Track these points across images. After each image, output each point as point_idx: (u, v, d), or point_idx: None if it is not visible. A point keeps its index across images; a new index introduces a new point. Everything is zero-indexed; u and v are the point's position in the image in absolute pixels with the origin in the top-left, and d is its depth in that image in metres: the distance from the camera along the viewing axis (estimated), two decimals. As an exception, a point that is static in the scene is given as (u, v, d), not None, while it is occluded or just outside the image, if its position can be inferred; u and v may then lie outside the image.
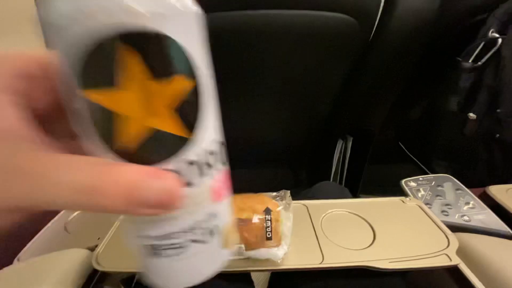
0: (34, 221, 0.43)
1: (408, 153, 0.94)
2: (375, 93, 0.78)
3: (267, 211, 0.31)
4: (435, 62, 0.83)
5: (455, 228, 0.37)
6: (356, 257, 0.32)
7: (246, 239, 0.31)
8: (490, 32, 0.66)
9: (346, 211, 0.40)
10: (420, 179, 0.48)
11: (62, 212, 0.45)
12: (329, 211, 0.40)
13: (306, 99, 0.74)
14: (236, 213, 0.32)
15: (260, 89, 0.69)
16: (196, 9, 0.12)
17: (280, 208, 0.33)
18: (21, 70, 0.12)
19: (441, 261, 0.31)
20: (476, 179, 0.78)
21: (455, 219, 0.40)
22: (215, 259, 0.15)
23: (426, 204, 0.42)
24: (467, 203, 0.42)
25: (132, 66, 0.10)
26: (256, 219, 0.31)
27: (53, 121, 0.13)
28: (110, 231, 0.38)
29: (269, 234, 0.31)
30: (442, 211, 0.41)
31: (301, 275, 0.34)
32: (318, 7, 0.54)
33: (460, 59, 0.72)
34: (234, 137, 0.85)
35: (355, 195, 0.93)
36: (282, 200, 0.35)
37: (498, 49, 0.66)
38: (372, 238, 0.35)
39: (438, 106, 0.80)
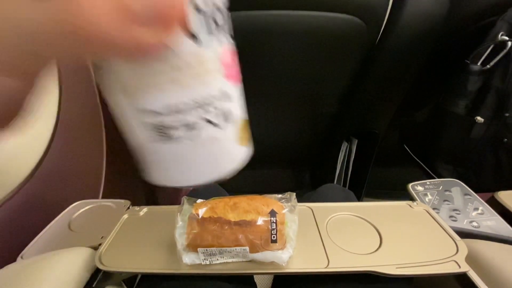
0: (38, 218, 0.42)
1: (413, 156, 0.93)
2: (381, 95, 0.77)
3: (272, 213, 0.31)
4: (442, 65, 0.82)
5: (463, 234, 0.36)
6: (362, 262, 0.32)
7: (251, 241, 0.31)
8: (500, 35, 0.65)
9: (352, 215, 0.39)
10: (427, 183, 0.47)
11: (66, 210, 0.45)
12: (335, 214, 0.39)
13: (311, 100, 0.73)
14: (240, 214, 0.31)
15: (265, 89, 0.69)
16: None
17: (285, 210, 0.33)
18: None
19: (450, 268, 0.30)
20: (482, 183, 0.77)
21: (464, 225, 0.39)
22: (232, 153, 0.14)
23: (434, 209, 0.41)
24: (476, 209, 0.41)
25: None
26: (261, 221, 0.31)
27: None
28: (113, 230, 0.38)
29: (274, 237, 0.30)
30: (450, 217, 0.40)
31: (306, 279, 0.33)
32: (325, 8, 0.53)
33: (469, 62, 0.71)
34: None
35: (359, 198, 0.93)
36: (287, 202, 0.35)
37: (508, 52, 0.65)
38: (378, 243, 0.34)
39: (445, 109, 0.79)
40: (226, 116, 0.13)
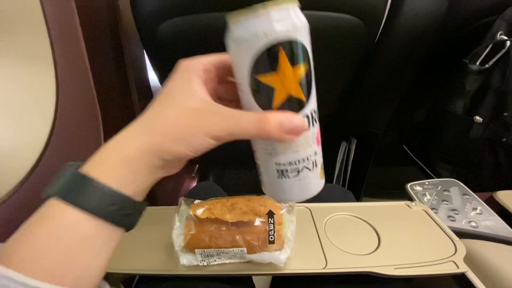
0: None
1: (412, 156, 0.93)
2: (380, 95, 0.77)
3: (270, 214, 0.31)
4: (441, 64, 0.82)
5: (462, 234, 0.36)
6: (360, 262, 0.32)
7: (249, 242, 0.30)
8: (499, 34, 0.65)
9: (350, 215, 0.39)
10: (426, 183, 0.47)
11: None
12: (333, 214, 0.39)
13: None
14: (238, 215, 0.31)
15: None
16: (306, 22, 0.20)
17: (283, 211, 0.33)
18: (204, 66, 0.22)
19: (448, 268, 0.30)
20: (481, 183, 0.77)
21: (462, 225, 0.39)
22: (315, 183, 0.23)
23: (432, 209, 0.41)
24: (474, 209, 0.41)
25: (282, 58, 0.18)
26: (259, 222, 0.30)
27: (218, 93, 0.23)
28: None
29: (271, 238, 0.30)
30: (449, 217, 0.40)
31: (304, 279, 0.33)
32: (324, 7, 0.53)
33: (467, 61, 0.71)
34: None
35: (358, 198, 0.93)
36: (285, 203, 0.34)
37: (507, 52, 0.65)
38: (376, 243, 0.34)
39: (444, 108, 0.79)
40: (315, 164, 0.23)
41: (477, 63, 0.70)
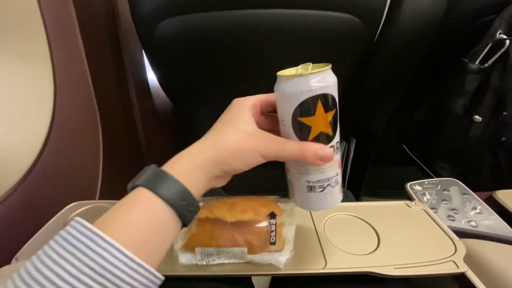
0: (33, 220, 0.42)
1: (412, 156, 0.93)
2: (379, 94, 0.77)
3: (272, 215, 0.31)
4: (440, 63, 0.82)
5: (461, 234, 0.36)
6: (360, 262, 0.32)
7: (249, 243, 0.30)
8: (498, 33, 0.65)
9: (349, 215, 0.39)
10: (426, 182, 0.47)
11: (61, 212, 0.44)
12: (333, 214, 0.39)
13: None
14: (237, 215, 0.31)
15: (263, 89, 0.69)
16: (336, 79, 0.26)
17: (284, 212, 0.32)
18: (253, 102, 0.28)
19: (448, 268, 0.30)
20: (480, 182, 0.77)
21: (462, 224, 0.39)
22: (335, 197, 0.29)
23: (432, 208, 0.41)
24: (474, 208, 0.41)
25: (318, 107, 0.25)
26: (260, 223, 0.30)
27: (259, 123, 0.29)
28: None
29: (273, 239, 0.30)
30: (448, 216, 0.40)
31: (303, 280, 0.33)
32: (323, 7, 0.53)
33: (467, 61, 0.71)
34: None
35: (357, 198, 0.93)
36: (285, 203, 0.34)
37: (506, 51, 0.65)
38: (376, 243, 0.34)
39: (443, 108, 0.79)
40: (337, 182, 0.29)
41: (477, 62, 0.70)
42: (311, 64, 0.27)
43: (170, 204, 0.23)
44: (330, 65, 0.26)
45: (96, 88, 0.59)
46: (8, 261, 0.36)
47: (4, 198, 0.40)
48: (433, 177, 0.49)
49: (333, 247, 0.34)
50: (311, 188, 0.28)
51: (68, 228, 0.21)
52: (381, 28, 0.61)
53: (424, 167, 0.89)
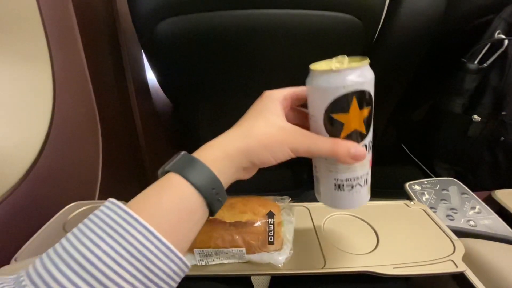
0: (32, 220, 0.42)
1: (411, 155, 0.93)
2: (378, 94, 0.77)
3: (270, 214, 0.31)
4: (439, 63, 0.82)
5: (460, 233, 0.36)
6: (359, 262, 0.32)
7: (248, 243, 0.30)
8: (497, 33, 0.65)
9: (349, 215, 0.39)
10: (425, 182, 0.47)
11: (61, 212, 0.44)
12: (332, 214, 0.39)
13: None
14: (236, 215, 0.31)
15: (263, 88, 0.69)
16: (373, 75, 0.25)
17: (282, 211, 0.32)
18: (284, 96, 0.28)
19: (446, 268, 0.30)
20: (479, 182, 0.77)
21: (461, 224, 0.39)
22: (363, 197, 0.28)
23: (431, 208, 0.41)
24: (473, 208, 0.41)
25: (353, 103, 0.24)
26: (258, 222, 0.30)
27: (287, 117, 0.28)
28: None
29: (271, 239, 0.30)
30: (447, 216, 0.40)
31: (302, 279, 0.33)
32: (322, 7, 0.53)
33: (465, 60, 0.71)
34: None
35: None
36: (284, 203, 0.34)
37: (505, 51, 0.65)
38: (375, 243, 0.34)
39: (442, 107, 0.79)
40: (366, 182, 0.28)
41: (475, 62, 0.70)
42: (346, 57, 0.26)
43: (201, 192, 0.23)
44: (368, 60, 0.24)
45: (96, 88, 0.59)
46: (7, 261, 0.36)
47: (3, 198, 0.40)
48: (432, 177, 0.49)
49: (332, 247, 0.34)
50: (339, 187, 0.27)
51: (103, 209, 0.21)
52: (380, 28, 0.61)
53: (423, 166, 0.89)
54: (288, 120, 0.27)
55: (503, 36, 0.64)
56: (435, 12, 0.60)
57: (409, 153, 0.93)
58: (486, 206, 0.42)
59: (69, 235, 0.20)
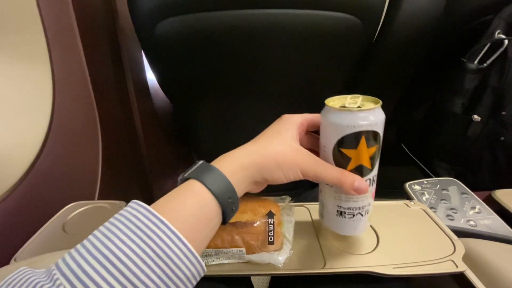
0: (32, 220, 0.42)
1: (411, 155, 0.93)
2: (378, 94, 0.77)
3: (270, 214, 0.31)
4: (439, 63, 0.82)
5: (460, 233, 0.36)
6: (359, 262, 0.32)
7: (247, 243, 0.30)
8: (496, 33, 0.65)
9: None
10: (425, 182, 0.47)
11: (60, 212, 0.44)
12: (332, 214, 0.39)
13: (308, 99, 0.73)
14: (236, 215, 0.31)
15: (262, 89, 0.69)
16: (384, 116, 0.26)
17: (282, 211, 0.32)
18: (301, 121, 0.30)
19: (447, 268, 0.30)
20: (479, 182, 0.77)
21: (461, 224, 0.39)
22: (363, 225, 0.31)
23: (431, 208, 0.41)
24: (473, 208, 0.41)
25: (362, 141, 0.25)
26: (258, 222, 0.30)
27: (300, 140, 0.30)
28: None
29: (271, 239, 0.30)
30: (447, 216, 0.40)
31: (302, 279, 0.33)
32: (322, 6, 0.53)
33: (465, 60, 0.71)
34: (235, 137, 0.85)
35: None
36: (284, 203, 0.34)
37: (505, 51, 0.65)
38: (375, 243, 0.34)
39: (442, 107, 0.79)
40: (367, 212, 0.30)
41: (475, 62, 0.70)
42: (360, 96, 0.28)
43: (218, 200, 0.24)
44: (381, 102, 0.26)
45: (95, 88, 0.59)
46: (7, 262, 0.36)
47: (3, 198, 0.40)
48: (432, 177, 0.49)
49: (332, 247, 0.34)
50: (341, 213, 0.29)
51: (129, 209, 0.22)
52: (380, 28, 0.61)
53: (423, 166, 0.89)
54: (301, 143, 0.29)
55: (503, 36, 0.64)
56: (435, 12, 0.60)
57: (409, 153, 0.93)
58: (486, 206, 0.42)
59: (96, 232, 0.21)
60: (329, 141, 0.27)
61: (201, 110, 0.74)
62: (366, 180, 0.27)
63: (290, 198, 0.35)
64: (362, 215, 0.29)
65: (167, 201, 0.23)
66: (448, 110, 0.77)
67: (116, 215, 0.22)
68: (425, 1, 0.59)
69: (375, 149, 0.27)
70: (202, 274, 0.23)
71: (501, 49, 0.65)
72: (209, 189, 0.23)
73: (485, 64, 0.68)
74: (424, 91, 0.93)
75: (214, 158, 0.27)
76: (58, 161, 0.50)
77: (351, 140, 0.26)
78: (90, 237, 0.20)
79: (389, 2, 0.58)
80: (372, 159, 0.27)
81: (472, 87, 0.72)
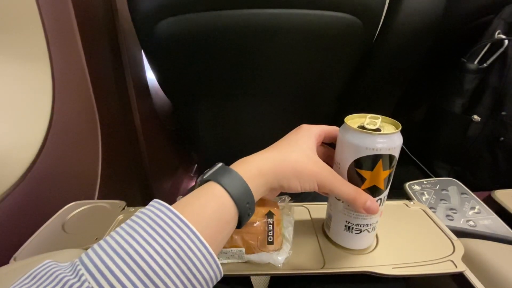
0: (31, 220, 0.42)
1: (411, 155, 0.93)
2: (378, 94, 0.77)
3: (270, 214, 0.31)
4: (439, 63, 0.82)
5: (460, 234, 0.36)
6: (358, 262, 0.32)
7: (247, 242, 0.30)
8: (496, 33, 0.65)
9: (348, 215, 0.39)
10: (424, 182, 0.47)
11: (60, 212, 0.44)
12: (331, 214, 0.39)
13: (308, 99, 0.73)
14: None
15: (263, 89, 0.69)
16: (401, 141, 0.27)
17: (282, 211, 0.32)
18: (320, 132, 0.30)
19: (446, 268, 0.30)
20: (479, 182, 0.77)
21: (460, 224, 0.39)
22: (368, 241, 0.32)
23: (430, 208, 0.41)
24: (473, 208, 0.41)
25: (378, 165, 0.26)
26: (257, 222, 0.30)
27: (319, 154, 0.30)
28: (107, 232, 0.37)
29: (270, 238, 0.30)
30: (447, 216, 0.40)
31: (302, 279, 0.33)
32: (322, 6, 0.53)
33: (465, 60, 0.71)
34: (235, 137, 0.85)
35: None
36: (283, 203, 0.34)
37: (505, 51, 0.65)
38: (375, 243, 0.34)
39: (442, 107, 0.79)
40: (373, 229, 0.31)
41: (475, 62, 0.70)
42: (380, 117, 0.28)
43: (237, 204, 0.24)
44: (400, 127, 0.27)
45: (95, 88, 0.59)
46: (6, 261, 0.36)
47: (2, 198, 0.40)
48: (431, 177, 0.49)
49: (332, 247, 0.34)
50: (348, 228, 0.30)
51: (151, 208, 0.22)
52: (380, 28, 0.61)
53: (422, 166, 0.89)
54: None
55: (503, 36, 0.64)
56: (435, 12, 0.60)
57: (409, 153, 0.93)
58: (485, 206, 0.42)
59: (119, 229, 0.21)
60: (345, 159, 0.27)
61: (201, 110, 0.74)
62: (377, 200, 0.28)
63: (290, 198, 0.35)
64: (369, 231, 0.30)
65: (188, 203, 0.23)
66: (448, 110, 0.77)
67: (139, 214, 0.22)
68: (425, 1, 0.59)
69: (390, 172, 0.27)
70: (219, 278, 0.23)
71: (501, 49, 0.65)
72: (229, 193, 0.23)
73: (485, 64, 0.68)
74: (424, 91, 0.93)
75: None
76: (57, 161, 0.50)
77: (368, 162, 0.26)
78: (113, 233, 0.21)
79: (389, 2, 0.58)
80: (386, 181, 0.27)
81: (472, 87, 0.72)
